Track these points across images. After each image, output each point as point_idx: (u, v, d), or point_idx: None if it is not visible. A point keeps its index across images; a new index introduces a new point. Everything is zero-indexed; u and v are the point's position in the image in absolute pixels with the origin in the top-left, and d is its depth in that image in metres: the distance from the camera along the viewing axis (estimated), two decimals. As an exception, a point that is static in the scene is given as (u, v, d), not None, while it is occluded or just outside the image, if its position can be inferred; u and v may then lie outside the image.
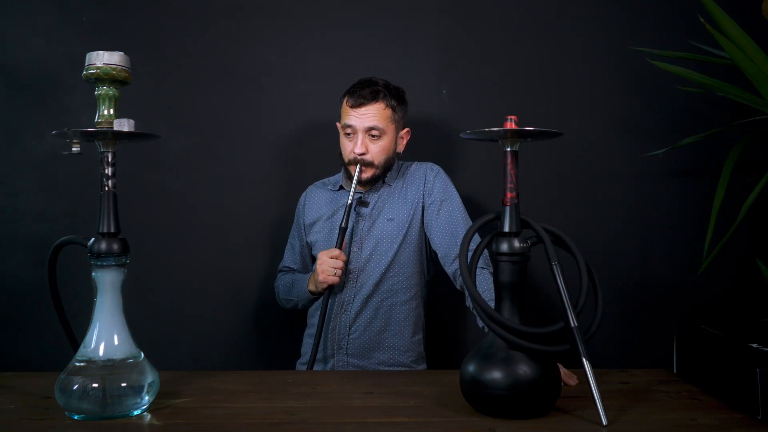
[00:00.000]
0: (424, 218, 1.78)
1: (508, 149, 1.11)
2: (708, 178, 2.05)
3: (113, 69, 1.12)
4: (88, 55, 1.13)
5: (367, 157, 1.75)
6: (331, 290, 1.72)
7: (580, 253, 1.11)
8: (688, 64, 1.94)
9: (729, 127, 1.96)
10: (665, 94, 2.07)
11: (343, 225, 1.71)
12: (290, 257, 1.95)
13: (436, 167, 1.84)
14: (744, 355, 1.11)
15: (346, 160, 1.79)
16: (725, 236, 1.82)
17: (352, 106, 1.75)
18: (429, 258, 1.84)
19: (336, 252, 1.69)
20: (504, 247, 1.09)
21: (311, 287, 1.77)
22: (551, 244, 1.10)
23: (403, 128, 1.84)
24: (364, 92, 1.74)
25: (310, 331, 1.85)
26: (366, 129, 1.74)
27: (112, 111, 1.15)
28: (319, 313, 1.74)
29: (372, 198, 1.82)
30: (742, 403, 1.09)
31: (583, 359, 1.04)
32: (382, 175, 1.81)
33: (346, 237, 1.77)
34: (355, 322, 1.75)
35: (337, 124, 1.83)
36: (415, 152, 2.00)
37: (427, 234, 1.78)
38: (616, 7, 2.10)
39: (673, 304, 2.09)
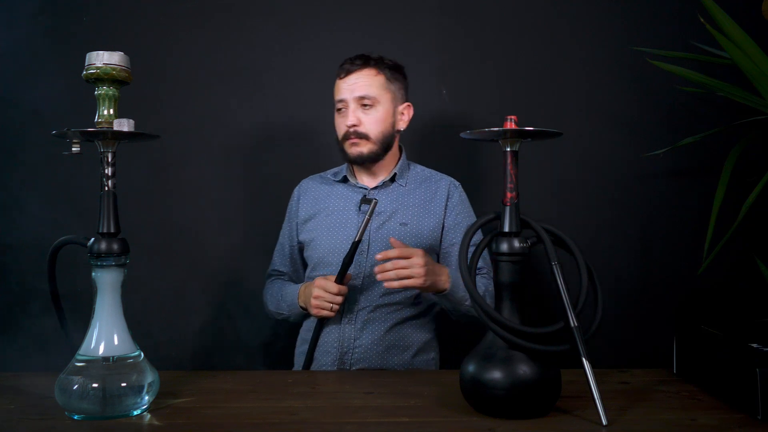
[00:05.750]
0: (443, 237, 1.69)
1: (508, 149, 1.11)
2: (708, 178, 2.05)
3: (113, 69, 1.12)
4: (88, 55, 1.13)
5: (361, 129, 1.62)
6: (324, 322, 1.60)
7: (580, 253, 1.11)
8: (688, 64, 1.94)
9: (729, 127, 1.96)
10: (665, 94, 2.07)
11: (346, 260, 1.52)
12: (280, 259, 1.81)
13: (458, 184, 1.75)
14: (744, 355, 1.11)
15: (340, 137, 1.66)
16: (725, 236, 1.81)
17: (342, 77, 1.64)
18: None
19: (335, 288, 1.53)
20: (504, 247, 1.09)
21: (302, 303, 1.63)
22: (551, 244, 1.10)
23: (403, 103, 1.71)
24: (353, 60, 1.65)
25: (303, 348, 1.67)
26: (357, 99, 1.62)
27: (111, 111, 1.15)
28: (306, 325, 1.68)
29: (379, 195, 1.69)
30: (742, 403, 1.09)
31: (583, 359, 1.04)
32: (381, 153, 1.66)
33: (351, 236, 1.61)
34: (360, 335, 1.61)
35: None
36: (415, 152, 1.99)
37: (443, 246, 1.70)
38: (616, 7, 2.10)
39: (673, 304, 2.09)
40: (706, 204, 1.90)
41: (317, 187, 1.78)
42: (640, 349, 2.07)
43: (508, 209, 1.10)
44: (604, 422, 1.02)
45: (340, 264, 1.57)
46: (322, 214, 1.71)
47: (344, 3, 2.11)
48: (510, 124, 1.08)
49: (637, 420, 1.06)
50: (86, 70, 1.13)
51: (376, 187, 1.71)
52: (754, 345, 1.15)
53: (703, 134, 1.93)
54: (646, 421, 1.06)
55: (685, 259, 2.07)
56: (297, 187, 1.82)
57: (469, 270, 1.10)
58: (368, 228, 1.62)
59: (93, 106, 1.15)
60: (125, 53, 1.14)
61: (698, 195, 2.06)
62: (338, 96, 1.66)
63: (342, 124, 1.66)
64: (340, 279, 1.54)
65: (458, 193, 1.74)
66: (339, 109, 1.67)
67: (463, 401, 1.12)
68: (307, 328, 1.71)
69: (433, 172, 1.79)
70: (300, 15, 2.11)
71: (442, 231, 1.69)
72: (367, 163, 1.68)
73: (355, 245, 1.52)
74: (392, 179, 1.72)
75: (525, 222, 1.12)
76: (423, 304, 1.67)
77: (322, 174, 1.82)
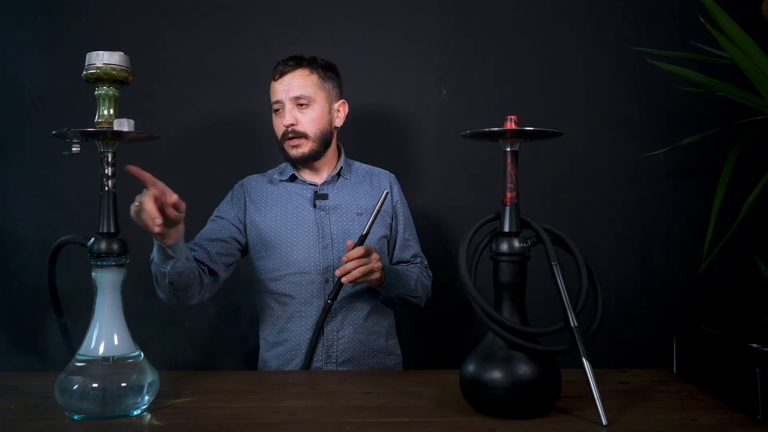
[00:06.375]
0: (398, 231, 1.78)
1: (508, 149, 1.11)
2: (708, 178, 2.05)
3: (113, 69, 1.12)
4: (88, 55, 1.13)
5: (299, 128, 1.65)
6: (330, 308, 1.59)
7: (580, 253, 1.11)
8: (688, 64, 1.94)
9: (729, 127, 1.97)
10: (665, 94, 2.08)
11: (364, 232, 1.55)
12: (201, 240, 1.64)
13: (394, 177, 1.82)
14: (744, 355, 1.11)
15: (279, 138, 1.68)
16: (725, 236, 1.82)
17: (276, 79, 1.67)
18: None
19: (175, 197, 1.25)
20: (504, 247, 1.09)
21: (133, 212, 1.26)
22: (551, 244, 1.10)
23: (338, 100, 1.73)
24: (286, 61, 1.68)
25: (276, 351, 1.67)
26: (293, 99, 1.65)
27: (111, 111, 1.15)
28: (273, 327, 1.68)
29: (329, 190, 1.72)
30: (742, 403, 1.09)
31: (583, 359, 1.04)
32: (322, 150, 1.69)
33: (312, 232, 1.67)
34: (342, 326, 1.65)
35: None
36: (415, 152, 2.00)
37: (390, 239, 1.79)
38: (616, 7, 2.10)
39: (673, 304, 2.09)
40: (706, 204, 1.90)
41: (265, 187, 1.76)
42: (640, 349, 2.07)
43: (508, 209, 1.10)
44: (604, 422, 1.02)
45: (307, 261, 1.65)
46: (277, 213, 1.71)
47: (344, 3, 2.11)
48: (510, 124, 1.08)
49: (637, 420, 1.06)
50: (86, 70, 1.13)
51: (325, 183, 1.73)
52: (754, 345, 1.15)
53: (703, 134, 1.93)
54: (646, 421, 1.06)
55: (685, 259, 2.07)
56: (239, 185, 1.78)
57: (469, 271, 1.10)
58: (328, 222, 1.69)
59: (93, 106, 1.15)
60: (125, 53, 1.14)
61: (698, 195, 2.07)
62: (274, 97, 1.68)
63: (280, 125, 1.68)
64: (337, 291, 1.56)
65: (397, 187, 1.81)
66: (276, 110, 1.69)
67: (463, 401, 1.12)
68: (277, 330, 1.69)
69: (371, 166, 1.84)
70: (300, 15, 2.11)
71: (393, 223, 1.77)
72: (309, 161, 1.70)
73: (363, 238, 1.56)
74: (338, 174, 1.76)
75: (525, 222, 1.12)
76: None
77: (263, 174, 1.80)
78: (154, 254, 1.45)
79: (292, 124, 1.65)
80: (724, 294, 2.08)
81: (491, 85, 2.11)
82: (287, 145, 1.67)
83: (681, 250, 2.09)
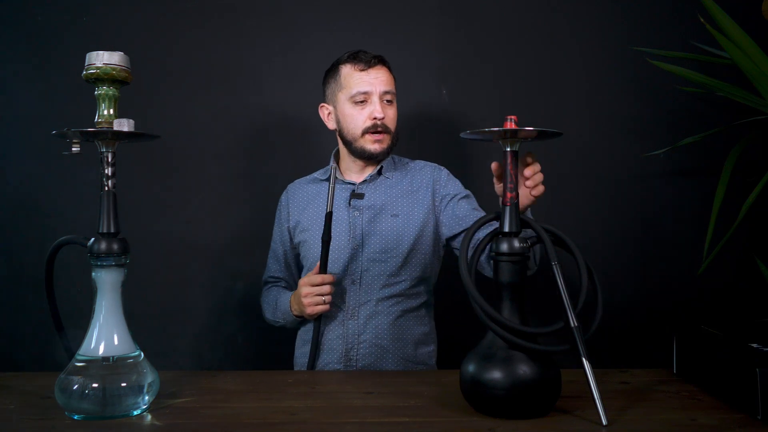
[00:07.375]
0: (443, 214, 1.67)
1: (508, 149, 1.11)
2: (708, 178, 2.05)
3: (113, 69, 1.12)
4: (88, 55, 1.13)
5: (387, 122, 1.63)
6: (322, 322, 1.60)
7: (580, 253, 1.11)
8: (688, 64, 1.94)
9: (729, 127, 1.97)
10: (665, 94, 2.07)
11: (324, 238, 1.52)
12: (275, 266, 1.80)
13: (444, 168, 1.76)
14: (744, 355, 1.11)
15: (361, 130, 1.63)
16: (725, 236, 1.82)
17: (363, 69, 1.62)
18: (437, 263, 1.74)
19: (319, 278, 1.53)
20: (504, 247, 1.09)
21: (296, 311, 1.63)
22: (551, 244, 1.10)
23: None
24: (369, 56, 1.63)
25: (304, 349, 1.68)
26: (381, 93, 1.62)
27: (111, 111, 1.15)
28: (303, 325, 1.69)
29: (367, 190, 1.69)
30: (742, 403, 1.09)
31: (583, 359, 1.04)
32: (390, 152, 1.67)
33: (344, 232, 1.64)
34: (365, 330, 1.62)
35: (325, 107, 1.73)
36: (415, 152, 1.99)
37: (445, 222, 1.66)
38: (616, 7, 2.10)
39: (673, 304, 2.09)
40: (706, 204, 1.90)
41: (304, 189, 1.77)
42: (640, 349, 2.07)
43: (508, 209, 1.10)
44: (604, 422, 1.02)
45: (335, 261, 1.61)
46: (312, 214, 1.71)
47: (344, 3, 2.11)
48: (510, 124, 1.08)
49: (637, 420, 1.06)
50: (86, 70, 1.13)
51: (364, 182, 1.70)
52: (754, 345, 1.15)
53: (703, 134, 1.93)
54: (646, 421, 1.06)
55: (685, 259, 2.07)
56: (284, 192, 1.81)
57: (469, 270, 1.10)
58: (361, 223, 1.64)
59: (93, 106, 1.15)
60: (125, 53, 1.14)
61: (698, 195, 2.06)
62: (361, 88, 1.62)
63: (364, 117, 1.63)
64: (324, 265, 1.54)
65: (444, 173, 1.74)
66: (361, 101, 1.63)
67: (463, 401, 1.12)
68: (307, 329, 1.70)
69: (416, 161, 1.79)
70: (300, 15, 2.11)
71: (438, 215, 1.67)
72: (382, 158, 1.68)
73: (329, 215, 1.53)
74: (379, 172, 1.72)
75: (525, 222, 1.12)
76: (420, 296, 1.68)
77: (307, 177, 1.82)
78: (288, 321, 1.68)
79: (383, 117, 1.62)
80: (724, 294, 2.08)
81: (491, 85, 2.11)
82: (370, 138, 1.63)
83: (681, 250, 2.09)
